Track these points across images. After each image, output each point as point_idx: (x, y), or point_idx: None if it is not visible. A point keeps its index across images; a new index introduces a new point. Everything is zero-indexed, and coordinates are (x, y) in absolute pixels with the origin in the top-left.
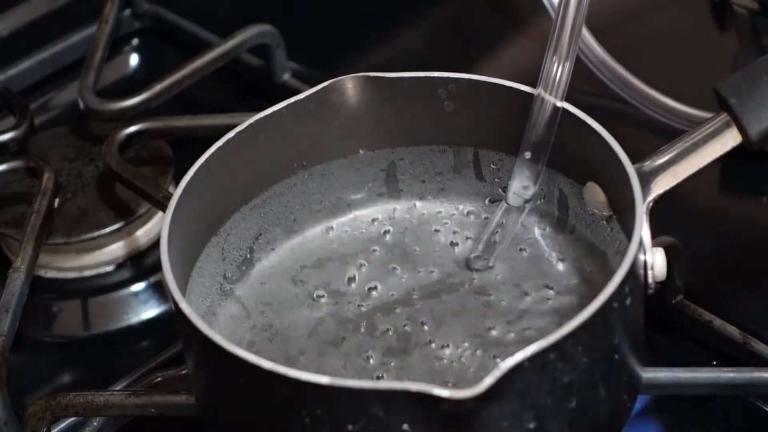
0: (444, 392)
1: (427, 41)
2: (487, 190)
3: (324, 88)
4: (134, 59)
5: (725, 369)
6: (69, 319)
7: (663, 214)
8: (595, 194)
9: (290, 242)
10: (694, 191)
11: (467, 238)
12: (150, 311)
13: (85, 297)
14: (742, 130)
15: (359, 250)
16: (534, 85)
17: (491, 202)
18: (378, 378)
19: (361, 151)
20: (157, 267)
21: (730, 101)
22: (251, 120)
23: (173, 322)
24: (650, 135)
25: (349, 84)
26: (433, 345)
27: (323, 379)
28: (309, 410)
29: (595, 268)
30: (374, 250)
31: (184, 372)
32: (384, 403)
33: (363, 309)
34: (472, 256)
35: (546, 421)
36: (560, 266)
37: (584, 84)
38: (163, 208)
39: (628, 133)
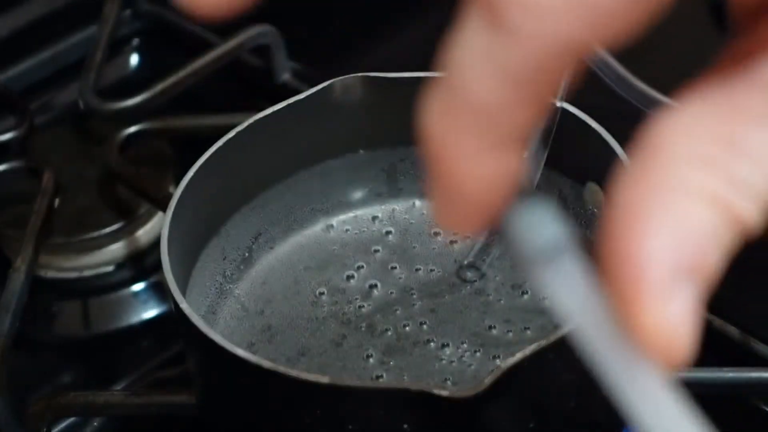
0: (444, 392)
1: (427, 41)
2: None
3: (324, 88)
4: (135, 59)
5: (725, 369)
6: (69, 319)
7: None
8: (595, 194)
9: (290, 241)
10: None
11: (467, 237)
12: (150, 311)
13: (85, 297)
14: None
15: (359, 249)
16: None
17: None
18: (378, 378)
19: (361, 151)
20: (158, 267)
21: None
22: (251, 120)
23: (173, 322)
24: None
25: (349, 84)
26: (432, 344)
27: (323, 379)
28: (309, 410)
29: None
30: (375, 250)
31: (184, 372)
32: (384, 403)
33: (363, 308)
34: (465, 263)
35: (546, 420)
36: None
37: (584, 83)
38: (164, 208)
39: (628, 133)
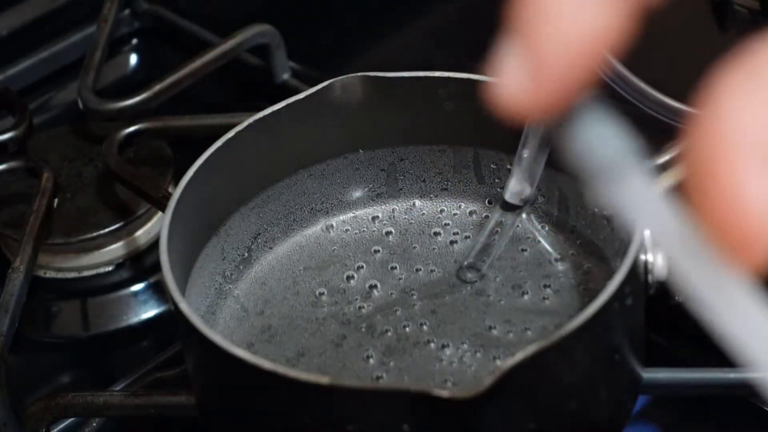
0: (444, 392)
1: (427, 41)
2: (486, 190)
3: (324, 88)
4: (134, 59)
5: (725, 369)
6: (68, 320)
7: None
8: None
9: (290, 242)
10: None
11: (467, 237)
12: (149, 311)
13: (84, 297)
14: None
15: (359, 249)
16: None
17: (490, 203)
18: (377, 378)
19: (361, 151)
20: (157, 267)
21: None
22: (251, 120)
23: (173, 322)
24: (650, 135)
25: (349, 84)
26: (432, 345)
27: (323, 380)
28: (309, 410)
29: (596, 268)
30: (375, 250)
31: (183, 372)
32: (384, 404)
33: (363, 309)
34: (465, 263)
35: (546, 421)
36: (560, 266)
37: None
38: (163, 208)
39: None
